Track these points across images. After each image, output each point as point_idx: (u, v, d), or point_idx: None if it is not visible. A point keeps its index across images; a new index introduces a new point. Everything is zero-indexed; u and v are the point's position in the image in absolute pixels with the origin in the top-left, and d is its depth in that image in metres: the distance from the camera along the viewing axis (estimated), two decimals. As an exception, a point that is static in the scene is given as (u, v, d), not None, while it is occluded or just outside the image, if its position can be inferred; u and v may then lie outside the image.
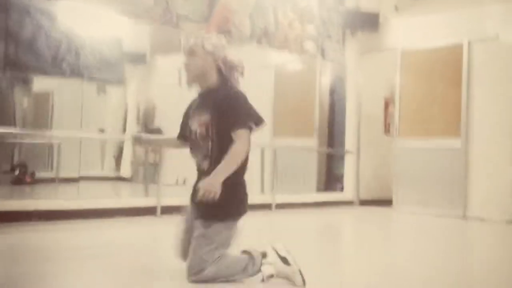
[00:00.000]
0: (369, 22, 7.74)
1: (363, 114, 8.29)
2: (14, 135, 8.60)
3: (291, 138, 8.35)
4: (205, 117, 2.82)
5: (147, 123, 9.83)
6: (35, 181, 8.12)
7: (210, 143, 2.79)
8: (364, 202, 8.12)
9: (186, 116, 3.02)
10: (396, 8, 8.22)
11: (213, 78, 2.88)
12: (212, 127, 2.78)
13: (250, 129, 2.78)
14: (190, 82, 2.91)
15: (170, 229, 5.23)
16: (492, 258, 4.26)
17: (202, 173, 2.81)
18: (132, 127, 9.79)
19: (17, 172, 8.08)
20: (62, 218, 5.07)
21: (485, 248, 5.00)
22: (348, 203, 8.06)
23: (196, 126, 2.85)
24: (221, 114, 2.77)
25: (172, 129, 10.76)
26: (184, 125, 3.02)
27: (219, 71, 2.89)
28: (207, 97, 2.88)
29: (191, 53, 2.86)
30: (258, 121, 2.82)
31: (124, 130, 9.77)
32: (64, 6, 5.68)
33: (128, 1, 5.26)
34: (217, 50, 2.86)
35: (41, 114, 9.29)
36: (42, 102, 9.26)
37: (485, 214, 6.69)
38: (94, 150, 9.54)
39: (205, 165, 2.81)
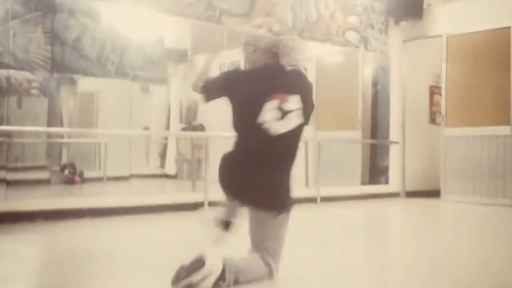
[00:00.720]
0: (413, 9, 7.58)
1: (407, 104, 8.15)
2: (62, 135, 8.85)
3: (334, 131, 8.28)
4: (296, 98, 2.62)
5: (190, 120, 9.92)
6: (84, 181, 8.32)
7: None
8: (410, 194, 7.98)
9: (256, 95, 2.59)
10: (441, -6, 8.05)
11: None
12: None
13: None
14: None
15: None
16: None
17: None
18: (175, 125, 9.90)
19: (66, 172, 8.29)
20: (112, 215, 5.18)
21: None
22: (394, 195, 7.94)
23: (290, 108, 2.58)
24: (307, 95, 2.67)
25: (214, 125, 10.88)
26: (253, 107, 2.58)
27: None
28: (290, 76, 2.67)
29: (254, 49, 2.71)
30: None
31: (168, 127, 9.89)
32: (107, 6, 5.78)
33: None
34: (267, 47, 2.71)
35: (87, 114, 9.50)
36: (88, 102, 9.46)
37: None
38: (139, 149, 9.70)
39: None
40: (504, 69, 6.85)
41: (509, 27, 6.82)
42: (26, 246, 3.91)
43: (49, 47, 7.47)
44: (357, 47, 7.60)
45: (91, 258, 3.34)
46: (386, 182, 8.17)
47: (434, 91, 8.30)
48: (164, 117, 9.89)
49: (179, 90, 9.87)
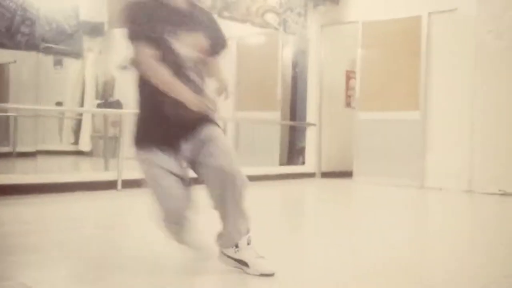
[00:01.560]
0: (331, -6, 7.73)
1: (324, 87, 8.33)
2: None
3: (254, 111, 8.34)
4: (200, 39, 2.48)
5: (106, 96, 9.64)
6: (-8, 156, 7.90)
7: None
8: (325, 175, 8.22)
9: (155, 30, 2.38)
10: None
11: None
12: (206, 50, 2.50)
13: None
14: None
15: (131, 203, 5.21)
16: (448, 225, 4.39)
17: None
18: (91, 100, 9.58)
19: (-29, 147, 7.84)
20: (21, 193, 4.96)
21: (442, 216, 5.15)
22: (310, 175, 8.15)
23: (189, 49, 2.44)
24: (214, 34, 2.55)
25: (131, 102, 10.55)
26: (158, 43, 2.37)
27: None
28: (191, 15, 2.48)
29: None
30: None
31: (82, 103, 9.55)
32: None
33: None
34: None
35: (-4, 87, 9.00)
36: (-3, 75, 8.96)
37: (442, 184, 6.88)
38: (52, 124, 9.33)
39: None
40: (415, 57, 7.15)
41: (420, 16, 7.11)
42: None
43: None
44: (276, 29, 7.65)
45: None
46: (303, 163, 8.36)
47: (350, 75, 8.54)
48: (79, 92, 9.54)
49: (95, 64, 9.55)
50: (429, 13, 7.06)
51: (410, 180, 7.13)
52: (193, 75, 2.46)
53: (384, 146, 7.44)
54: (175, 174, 2.44)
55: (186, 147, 2.46)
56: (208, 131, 2.45)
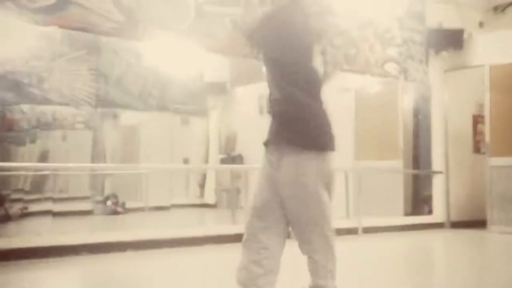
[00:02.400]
0: (453, 39, 7.51)
1: (450, 133, 8.01)
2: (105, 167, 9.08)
3: (375, 160, 8.18)
4: None
5: (229, 151, 10.02)
6: (126, 211, 8.47)
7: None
8: (455, 224, 7.78)
9: None
10: (481, 24, 7.95)
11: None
12: None
13: None
14: None
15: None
16: None
17: (272, 102, 2.50)
18: (215, 155, 10.01)
19: (109, 203, 8.47)
20: (154, 247, 5.24)
21: None
22: (439, 225, 7.76)
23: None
24: None
25: (253, 155, 10.96)
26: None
27: None
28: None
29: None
30: None
31: (207, 158, 10.01)
32: (149, 44, 5.94)
33: (212, 37, 5.41)
34: None
35: (130, 146, 9.73)
36: (130, 135, 9.70)
37: None
38: (179, 179, 9.84)
39: (275, 93, 2.51)
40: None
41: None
42: (72, 280, 3.99)
43: (94, 84, 7.74)
44: (396, 78, 7.55)
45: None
46: (430, 212, 8.00)
47: (477, 120, 8.15)
48: (204, 148, 10.04)
49: (218, 121, 10.03)
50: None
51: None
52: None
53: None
54: None
55: None
56: None
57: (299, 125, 2.40)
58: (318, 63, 2.51)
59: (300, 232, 2.43)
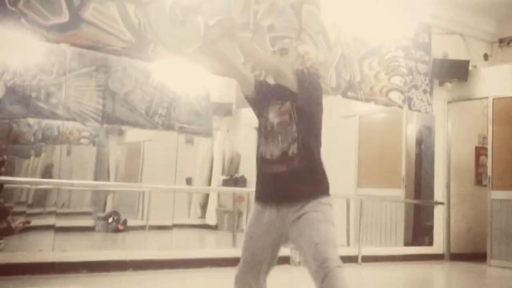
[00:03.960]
0: (458, 71, 7.58)
1: (452, 164, 8.03)
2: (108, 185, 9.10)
3: (377, 188, 8.20)
4: (286, 106, 2.74)
5: (232, 172, 10.04)
6: (127, 229, 8.48)
7: (295, 128, 2.70)
8: (455, 256, 7.75)
9: (259, 105, 2.84)
10: (486, 56, 8.03)
11: (292, 81, 2.71)
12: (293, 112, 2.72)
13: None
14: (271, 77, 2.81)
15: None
16: None
17: (287, 159, 2.68)
18: (218, 176, 10.02)
19: (110, 220, 8.48)
20: (154, 268, 5.25)
21: None
22: (438, 257, 7.73)
23: (275, 116, 2.74)
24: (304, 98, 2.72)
25: (256, 178, 10.77)
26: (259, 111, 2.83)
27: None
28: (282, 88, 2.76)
29: (282, 53, 2.89)
30: None
31: (210, 178, 10.02)
32: (158, 65, 6.03)
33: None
34: (307, 56, 2.89)
35: (133, 163, 9.77)
36: (134, 152, 9.75)
37: None
38: (181, 198, 9.84)
39: (294, 149, 2.67)
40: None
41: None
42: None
43: (101, 100, 7.80)
44: (400, 107, 7.61)
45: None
46: (430, 243, 7.98)
47: (480, 152, 8.17)
48: (207, 168, 10.05)
49: (223, 142, 10.06)
50: None
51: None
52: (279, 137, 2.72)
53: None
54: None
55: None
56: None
57: (318, 176, 2.70)
58: None
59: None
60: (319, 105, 2.77)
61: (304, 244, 2.55)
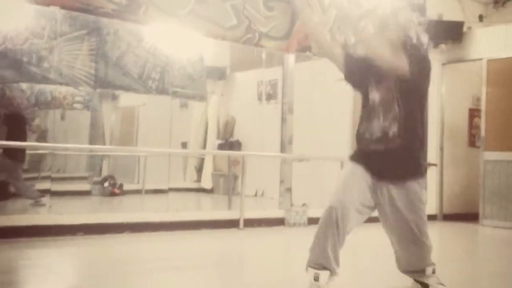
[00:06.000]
0: (452, 32, 7.52)
1: (446, 126, 8.06)
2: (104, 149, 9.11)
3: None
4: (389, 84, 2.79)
5: (227, 136, 10.06)
6: (123, 193, 8.54)
7: (396, 107, 2.76)
8: (448, 217, 7.87)
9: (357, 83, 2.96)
10: (481, 17, 7.96)
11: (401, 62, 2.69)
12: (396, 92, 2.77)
13: None
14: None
15: (254, 241, 5.37)
16: None
17: (387, 139, 2.77)
18: (213, 140, 10.05)
19: (106, 184, 8.53)
20: (151, 230, 5.32)
21: None
22: (431, 217, 7.83)
23: (379, 94, 2.82)
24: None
25: (251, 142, 10.94)
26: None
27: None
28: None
29: (383, 27, 2.87)
30: None
31: (205, 143, 10.05)
32: (150, 28, 5.96)
33: (212, 22, 5.43)
34: (409, 25, 2.89)
35: (128, 128, 9.78)
36: (129, 117, 9.74)
37: None
38: (177, 162, 9.88)
39: (395, 128, 2.75)
40: (547, 94, 6.73)
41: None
42: (68, 260, 4.06)
43: (93, 64, 7.74)
44: (395, 68, 7.57)
45: (129, 274, 3.45)
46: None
47: (473, 114, 8.19)
48: (202, 132, 10.07)
49: (217, 106, 10.05)
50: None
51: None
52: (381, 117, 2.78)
53: (513, 188, 7.01)
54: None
55: None
56: None
57: (418, 156, 2.89)
58: None
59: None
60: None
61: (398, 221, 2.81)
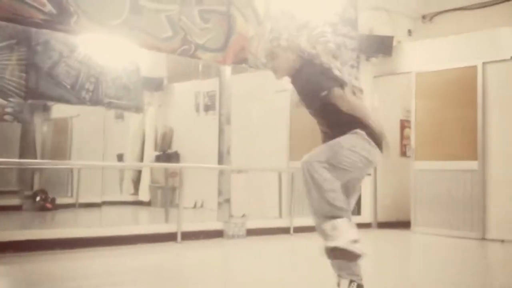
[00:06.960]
0: (383, 46, 7.79)
1: (379, 136, 8.29)
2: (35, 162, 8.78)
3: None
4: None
5: (165, 148, 9.95)
6: (56, 207, 8.26)
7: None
8: (382, 225, 8.10)
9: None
10: (410, 32, 8.30)
11: (297, 65, 3.08)
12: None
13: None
14: (280, 77, 3.20)
15: (192, 255, 5.31)
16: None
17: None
18: (150, 152, 9.91)
19: (38, 199, 8.23)
20: (84, 246, 5.16)
21: (505, 269, 4.97)
22: (366, 225, 8.04)
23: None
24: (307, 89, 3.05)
25: (189, 153, 10.80)
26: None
27: (301, 57, 3.08)
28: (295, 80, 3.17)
29: (273, 56, 3.11)
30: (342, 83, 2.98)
31: (142, 154, 9.90)
32: (84, 38, 5.83)
33: (147, 33, 5.37)
34: (292, 43, 3.10)
35: (61, 140, 9.48)
36: (62, 128, 9.45)
37: (505, 236, 6.65)
38: (112, 175, 9.68)
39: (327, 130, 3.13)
40: (471, 106, 7.06)
41: (475, 66, 7.06)
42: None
43: (24, 75, 7.48)
44: (329, 81, 7.74)
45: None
46: (358, 212, 8.27)
47: (404, 124, 8.50)
48: (139, 144, 9.91)
49: (155, 117, 9.93)
50: (484, 63, 7.00)
51: (471, 232, 6.94)
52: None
53: (442, 196, 7.28)
54: None
55: None
56: None
57: None
58: None
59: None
60: None
61: None
